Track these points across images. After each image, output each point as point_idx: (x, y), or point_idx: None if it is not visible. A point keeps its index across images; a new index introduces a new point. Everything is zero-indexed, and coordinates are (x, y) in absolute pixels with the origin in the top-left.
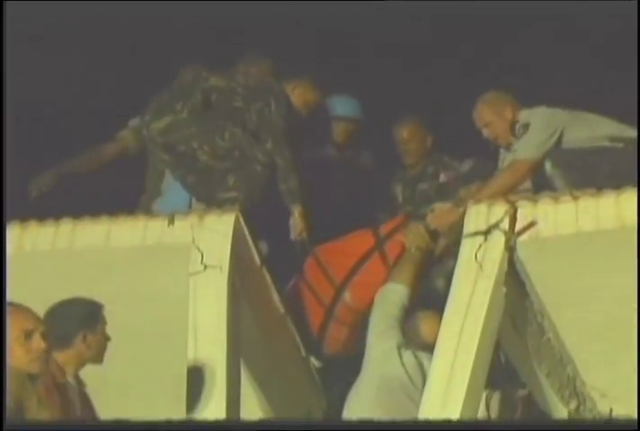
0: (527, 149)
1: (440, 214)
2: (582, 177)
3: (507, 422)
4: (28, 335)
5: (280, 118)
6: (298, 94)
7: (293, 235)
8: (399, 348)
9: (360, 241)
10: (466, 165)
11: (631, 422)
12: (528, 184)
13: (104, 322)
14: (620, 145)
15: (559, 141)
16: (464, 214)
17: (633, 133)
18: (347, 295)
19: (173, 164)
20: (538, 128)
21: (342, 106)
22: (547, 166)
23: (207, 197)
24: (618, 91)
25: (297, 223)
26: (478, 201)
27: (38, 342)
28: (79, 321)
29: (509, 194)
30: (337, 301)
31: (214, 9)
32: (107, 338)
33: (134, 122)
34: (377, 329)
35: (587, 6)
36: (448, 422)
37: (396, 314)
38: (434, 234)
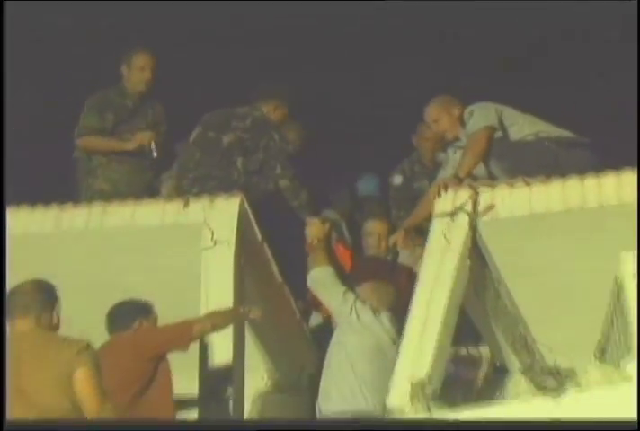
0: (481, 119)
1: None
2: (512, 165)
3: (508, 422)
4: None
5: (285, 144)
6: (280, 113)
7: (309, 241)
8: (375, 314)
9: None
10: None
11: (631, 422)
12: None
13: (156, 315)
14: (545, 142)
15: (503, 120)
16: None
17: (560, 133)
18: None
19: None
20: (484, 107)
21: (364, 186)
22: None
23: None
24: (618, 90)
25: (312, 231)
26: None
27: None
28: (134, 312)
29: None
30: None
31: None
32: None
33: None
34: (343, 302)
35: (587, 6)
36: (452, 422)
37: (341, 284)
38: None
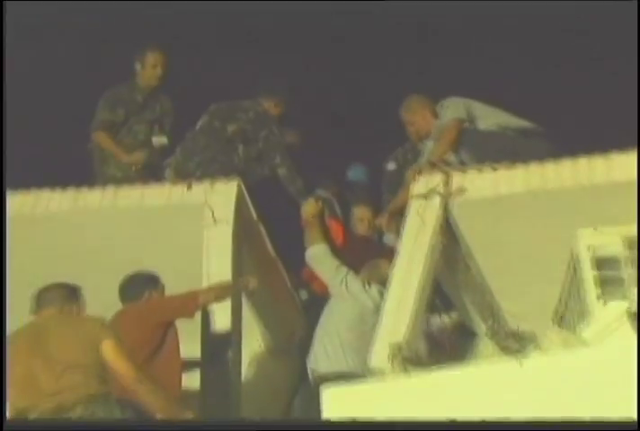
0: (452, 112)
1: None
2: (479, 152)
3: (508, 422)
4: None
5: (282, 137)
6: (279, 110)
7: (305, 218)
8: (364, 286)
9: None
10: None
11: (631, 422)
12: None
13: (164, 286)
14: (509, 132)
15: (471, 113)
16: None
17: (520, 123)
18: None
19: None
20: (454, 101)
21: (353, 173)
22: None
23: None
24: (618, 91)
25: (307, 209)
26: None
27: None
28: (144, 283)
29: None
30: None
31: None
32: None
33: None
34: (335, 275)
35: (587, 6)
36: (450, 422)
37: (335, 259)
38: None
